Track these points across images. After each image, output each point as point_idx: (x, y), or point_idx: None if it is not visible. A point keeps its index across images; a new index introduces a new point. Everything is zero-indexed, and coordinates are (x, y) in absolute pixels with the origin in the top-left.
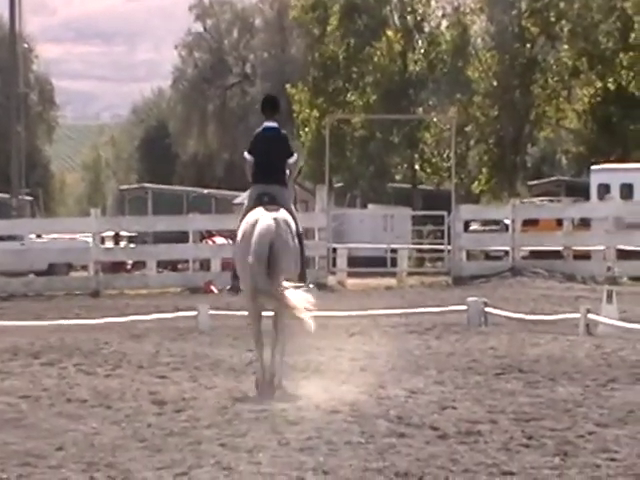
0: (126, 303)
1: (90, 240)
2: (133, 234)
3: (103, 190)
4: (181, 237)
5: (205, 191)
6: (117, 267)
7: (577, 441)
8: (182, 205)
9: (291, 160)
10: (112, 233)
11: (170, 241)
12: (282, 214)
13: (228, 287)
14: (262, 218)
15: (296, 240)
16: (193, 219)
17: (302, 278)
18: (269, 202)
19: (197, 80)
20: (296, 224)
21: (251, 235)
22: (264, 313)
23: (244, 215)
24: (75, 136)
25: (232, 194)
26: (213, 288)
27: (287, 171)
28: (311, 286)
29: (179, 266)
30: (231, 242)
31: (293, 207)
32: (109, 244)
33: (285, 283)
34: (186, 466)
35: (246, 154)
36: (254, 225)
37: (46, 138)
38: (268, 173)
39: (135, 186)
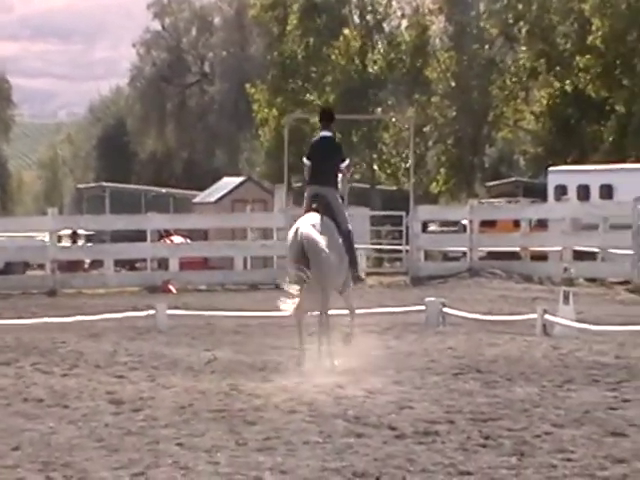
0: (83, 302)
1: (47, 239)
2: (91, 233)
3: (60, 189)
4: (139, 236)
5: (163, 190)
6: (74, 266)
7: (534, 441)
8: (140, 204)
9: (343, 165)
10: (69, 232)
11: (128, 240)
12: (324, 220)
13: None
14: (303, 224)
15: (340, 238)
16: (151, 218)
17: (353, 271)
18: (320, 202)
19: (155, 78)
20: (342, 224)
21: (295, 240)
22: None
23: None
24: (32, 134)
25: (191, 193)
26: (171, 287)
27: (340, 174)
28: (363, 276)
29: (137, 265)
30: (189, 241)
31: (342, 205)
32: (66, 243)
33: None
34: (143, 466)
35: (305, 160)
36: (297, 230)
37: (3, 136)
38: (321, 176)
39: (93, 185)
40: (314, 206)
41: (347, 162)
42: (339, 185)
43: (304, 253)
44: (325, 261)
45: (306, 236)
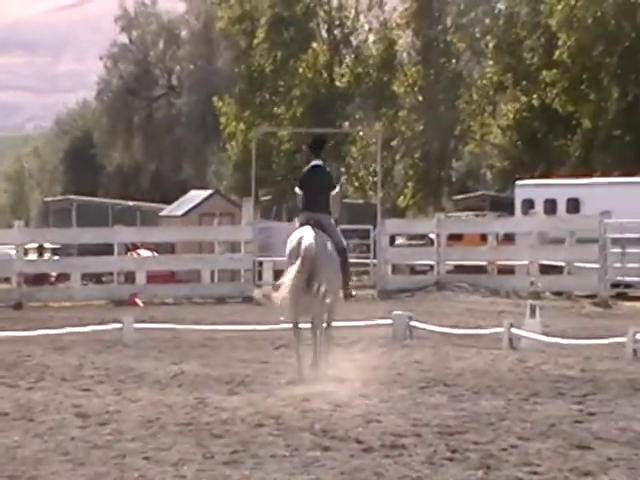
0: (50, 315)
1: (13, 252)
2: (57, 246)
3: (27, 202)
4: (106, 249)
5: (130, 203)
6: (41, 279)
7: (500, 454)
8: (107, 217)
9: (333, 192)
10: (36, 245)
11: (95, 253)
12: (319, 234)
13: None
14: (305, 237)
15: (335, 254)
16: (118, 231)
17: (345, 287)
18: (315, 225)
19: (122, 91)
20: (338, 242)
21: (297, 250)
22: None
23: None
24: None
25: (158, 206)
26: (138, 301)
27: (330, 200)
28: (354, 293)
29: (104, 278)
30: (156, 255)
31: (336, 228)
32: (33, 256)
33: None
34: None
35: (297, 189)
36: (299, 242)
37: None
38: (314, 203)
39: (59, 198)
40: (310, 222)
41: (337, 190)
42: (331, 210)
43: (303, 261)
44: (323, 271)
45: (307, 245)
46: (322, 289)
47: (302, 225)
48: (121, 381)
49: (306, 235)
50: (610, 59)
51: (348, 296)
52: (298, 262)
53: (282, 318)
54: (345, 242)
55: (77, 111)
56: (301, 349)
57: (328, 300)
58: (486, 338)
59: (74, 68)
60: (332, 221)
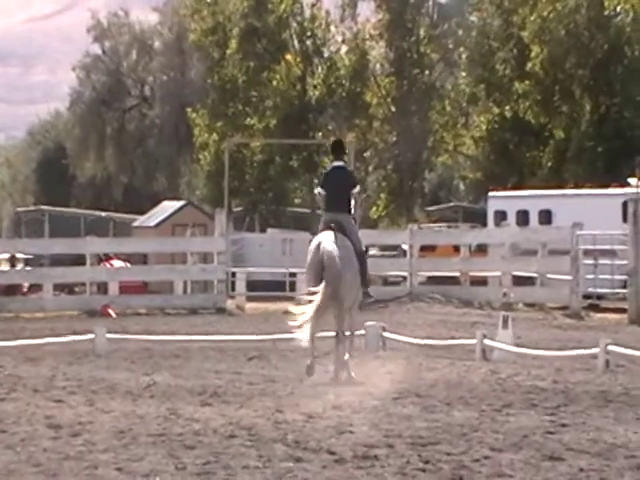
0: (22, 326)
1: None
2: (29, 256)
3: None
4: (78, 260)
5: (103, 214)
6: (13, 290)
7: (472, 465)
8: (79, 228)
9: (355, 191)
10: (8, 255)
11: (67, 264)
12: (340, 238)
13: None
14: (324, 243)
15: (355, 258)
16: (90, 242)
17: (364, 289)
18: (336, 227)
19: (95, 102)
20: (357, 244)
21: (316, 256)
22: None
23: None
24: None
25: (130, 217)
26: (110, 311)
27: (352, 199)
28: (373, 295)
29: (76, 289)
30: (129, 265)
31: (356, 228)
32: (5, 267)
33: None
34: None
35: (319, 189)
36: (318, 247)
37: None
38: (336, 204)
39: (32, 208)
40: (331, 226)
41: (358, 188)
42: (352, 210)
43: (323, 268)
44: (342, 277)
45: (328, 253)
46: (346, 304)
47: (324, 228)
48: (93, 392)
49: (328, 245)
50: (582, 71)
51: (367, 297)
52: (323, 285)
53: (298, 336)
54: (363, 244)
55: (49, 122)
56: (315, 349)
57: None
58: (459, 349)
59: (46, 79)
60: (352, 222)
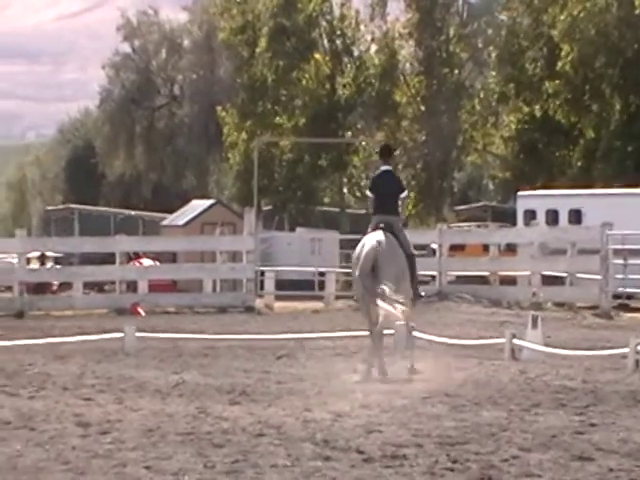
0: (51, 324)
1: (15, 261)
2: (59, 255)
3: (29, 210)
4: (108, 258)
5: (132, 212)
6: (43, 288)
7: (501, 465)
8: (109, 226)
9: (402, 195)
10: (38, 254)
11: (97, 262)
12: (387, 237)
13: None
14: (368, 241)
15: (403, 257)
16: (120, 240)
17: (414, 289)
18: (385, 227)
19: (124, 100)
20: (405, 244)
21: (362, 255)
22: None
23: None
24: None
25: (159, 216)
26: (140, 310)
27: (400, 203)
28: (423, 293)
29: (105, 287)
30: (158, 264)
31: (404, 230)
32: (35, 265)
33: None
34: None
35: (368, 192)
36: (363, 246)
37: None
38: (385, 206)
39: (61, 207)
40: (381, 226)
41: (405, 193)
42: (400, 212)
43: (372, 267)
44: (389, 271)
45: (373, 249)
46: (388, 290)
47: (374, 229)
48: (122, 390)
49: (370, 241)
50: (612, 70)
51: (417, 297)
52: (362, 269)
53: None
54: (412, 247)
55: (79, 120)
56: (381, 348)
57: (400, 304)
58: (488, 349)
59: (76, 77)
60: (401, 224)
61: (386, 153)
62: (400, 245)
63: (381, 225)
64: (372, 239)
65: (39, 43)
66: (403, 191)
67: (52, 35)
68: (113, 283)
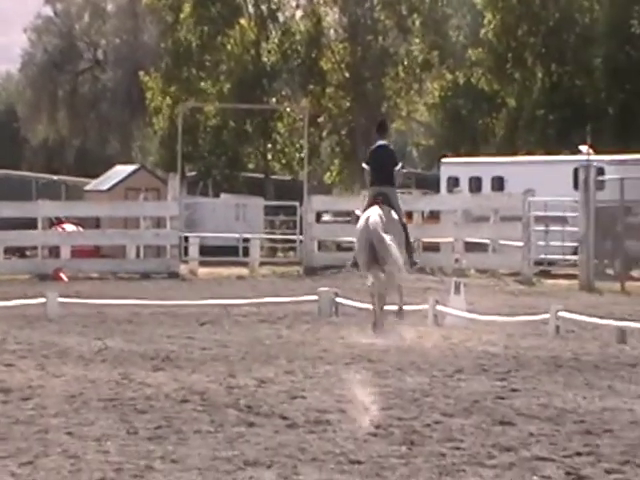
0: None
1: None
2: None
3: None
4: (30, 223)
5: (55, 177)
6: None
7: (424, 430)
8: (31, 191)
9: (397, 168)
10: None
11: (18, 227)
12: (387, 209)
13: (350, 263)
14: (372, 214)
15: (400, 228)
16: (42, 205)
17: (409, 256)
18: (382, 200)
19: (47, 65)
20: (400, 215)
21: (365, 227)
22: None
23: (364, 211)
24: None
25: (83, 181)
26: (62, 275)
27: (395, 175)
28: (417, 260)
29: (27, 253)
30: (81, 229)
31: (399, 202)
32: None
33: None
34: (32, 455)
35: (364, 165)
36: (367, 219)
37: None
38: (382, 178)
39: None
40: (378, 199)
41: (399, 166)
42: (395, 184)
43: (372, 240)
44: (391, 247)
45: (373, 224)
46: (395, 272)
47: (371, 201)
48: (45, 356)
49: (373, 215)
50: (534, 39)
51: (413, 264)
52: (364, 242)
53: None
54: (404, 219)
55: (0, 84)
56: (379, 307)
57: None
58: (411, 315)
59: None
60: (397, 195)
61: (381, 129)
62: (397, 214)
63: (379, 197)
64: (375, 213)
65: None
66: (397, 164)
67: None
68: (35, 248)
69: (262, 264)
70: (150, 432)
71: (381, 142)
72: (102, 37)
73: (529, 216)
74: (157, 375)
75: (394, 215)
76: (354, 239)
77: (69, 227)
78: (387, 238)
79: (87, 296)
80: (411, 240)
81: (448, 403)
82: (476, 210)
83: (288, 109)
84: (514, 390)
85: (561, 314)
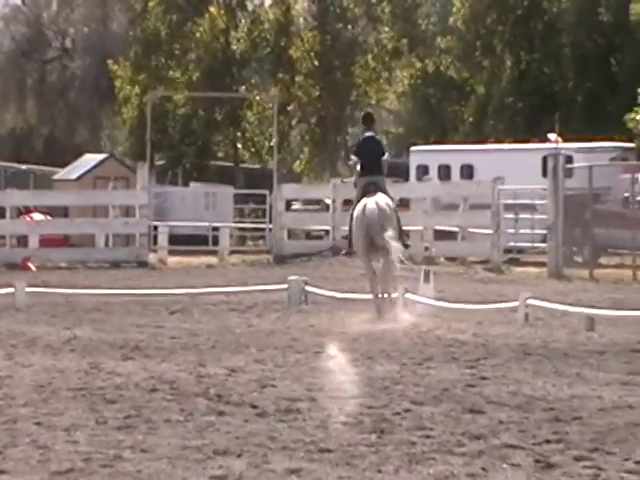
0: None
1: None
2: None
3: None
4: None
5: (23, 166)
6: None
7: (393, 418)
8: None
9: (384, 157)
10: None
11: None
12: (382, 197)
13: (344, 251)
14: (369, 202)
15: (395, 214)
16: (10, 195)
17: (402, 240)
18: (374, 189)
19: (14, 53)
20: (392, 203)
21: (363, 215)
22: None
23: (357, 201)
24: None
25: (51, 170)
26: (30, 265)
27: (383, 165)
28: (409, 243)
29: None
30: (49, 218)
31: (389, 190)
32: None
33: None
34: (0, 445)
35: (353, 156)
36: (364, 207)
37: None
38: (371, 168)
39: None
40: (371, 188)
41: (386, 155)
42: (383, 173)
43: (371, 228)
44: (390, 235)
45: (371, 211)
46: (391, 256)
47: (363, 192)
48: (13, 346)
49: (369, 202)
50: (503, 27)
51: (405, 247)
52: (362, 228)
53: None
54: (395, 205)
55: None
56: (374, 281)
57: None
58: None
59: None
60: (386, 183)
61: (368, 121)
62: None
63: (371, 185)
64: (372, 201)
65: None
66: (384, 154)
67: None
68: (3, 238)
69: (232, 253)
70: (119, 422)
71: (368, 133)
72: (70, 25)
73: (498, 204)
74: (126, 364)
75: (389, 202)
76: (349, 227)
77: (37, 216)
78: (386, 225)
79: (56, 285)
80: (402, 225)
81: (418, 391)
82: (445, 198)
83: (257, 97)
84: (483, 378)
85: (530, 302)
